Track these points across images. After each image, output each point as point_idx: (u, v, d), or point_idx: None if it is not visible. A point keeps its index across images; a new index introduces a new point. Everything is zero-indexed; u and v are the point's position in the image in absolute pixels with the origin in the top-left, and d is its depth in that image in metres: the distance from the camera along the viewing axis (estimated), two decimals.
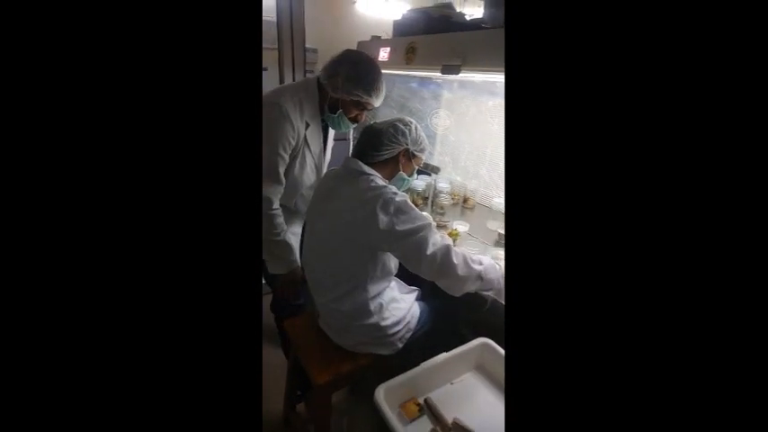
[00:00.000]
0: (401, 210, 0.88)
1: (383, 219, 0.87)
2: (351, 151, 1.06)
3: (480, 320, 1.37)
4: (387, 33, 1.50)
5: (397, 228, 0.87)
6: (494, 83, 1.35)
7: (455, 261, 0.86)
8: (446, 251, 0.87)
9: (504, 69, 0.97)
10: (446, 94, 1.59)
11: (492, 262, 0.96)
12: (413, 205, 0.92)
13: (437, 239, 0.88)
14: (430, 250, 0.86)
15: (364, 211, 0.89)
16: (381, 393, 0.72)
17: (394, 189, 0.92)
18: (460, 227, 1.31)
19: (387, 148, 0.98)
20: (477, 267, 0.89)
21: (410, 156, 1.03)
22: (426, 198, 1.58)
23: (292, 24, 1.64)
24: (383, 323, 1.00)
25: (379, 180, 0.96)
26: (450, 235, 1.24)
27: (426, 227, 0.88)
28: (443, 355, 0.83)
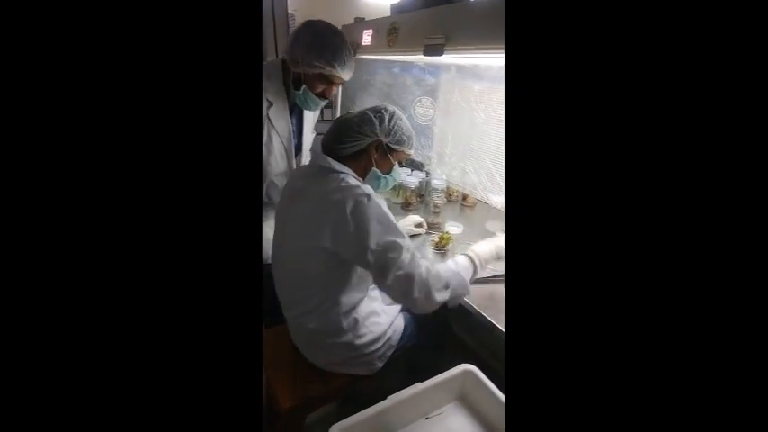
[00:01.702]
0: (372, 217, 0.76)
1: (352, 224, 0.76)
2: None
3: (473, 335, 1.24)
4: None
5: (367, 239, 0.75)
6: (478, 65, 1.19)
7: (416, 295, 0.77)
8: (408, 282, 0.77)
9: (497, 47, 0.83)
10: (430, 80, 1.43)
11: (462, 278, 0.84)
12: (388, 212, 0.79)
13: (404, 263, 0.76)
14: (391, 278, 0.76)
15: (333, 213, 0.77)
16: None
17: (368, 190, 0.79)
18: (454, 229, 1.17)
19: (351, 140, 0.85)
20: (439, 298, 0.80)
21: (385, 149, 0.89)
22: (422, 195, 1.45)
23: (274, 14, 1.53)
24: (358, 341, 0.89)
25: (351, 179, 0.84)
26: (441, 239, 1.11)
27: (395, 246, 0.76)
28: (418, 386, 0.71)
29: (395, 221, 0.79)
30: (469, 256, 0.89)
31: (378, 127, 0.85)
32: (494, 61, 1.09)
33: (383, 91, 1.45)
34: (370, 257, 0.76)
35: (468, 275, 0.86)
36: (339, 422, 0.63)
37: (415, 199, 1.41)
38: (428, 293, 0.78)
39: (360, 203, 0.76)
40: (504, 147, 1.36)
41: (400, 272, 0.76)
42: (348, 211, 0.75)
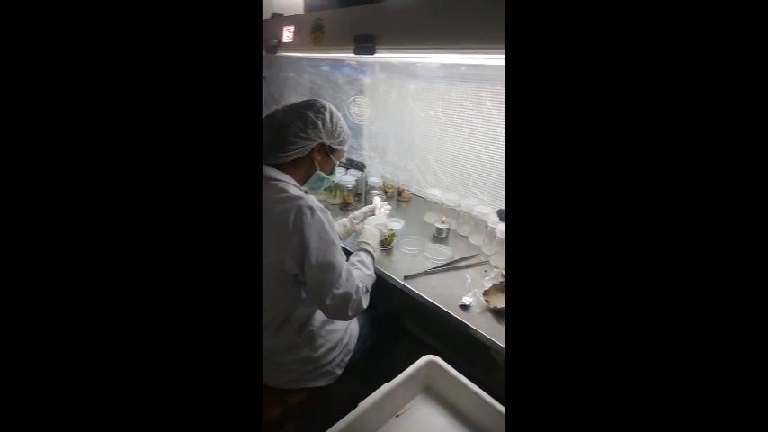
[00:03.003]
0: (314, 231, 0.73)
1: (294, 237, 0.72)
2: None
3: (425, 327, 1.30)
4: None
5: (307, 253, 0.72)
6: (414, 64, 1.23)
7: (350, 313, 0.78)
8: (344, 302, 0.76)
9: (429, 46, 0.86)
10: (363, 79, 1.44)
11: (373, 276, 0.87)
12: (331, 225, 0.77)
13: (341, 283, 0.76)
14: (329, 298, 0.74)
15: (275, 227, 0.72)
16: None
17: (311, 201, 0.75)
18: (395, 225, 1.19)
19: (295, 147, 0.80)
20: (365, 305, 0.81)
21: (327, 151, 0.86)
22: (359, 194, 1.44)
23: None
24: (316, 354, 0.86)
25: (292, 187, 0.79)
26: (388, 237, 1.12)
27: (333, 267, 0.75)
28: (385, 386, 0.71)
29: (336, 237, 0.78)
30: (368, 251, 0.92)
31: (322, 129, 0.82)
32: (429, 60, 1.13)
33: (313, 90, 1.40)
34: (309, 273, 0.74)
35: (373, 273, 0.88)
36: None
37: (353, 198, 1.40)
38: (359, 308, 0.79)
39: (302, 215, 0.72)
40: (442, 143, 1.41)
41: (338, 291, 0.75)
42: (290, 222, 0.72)
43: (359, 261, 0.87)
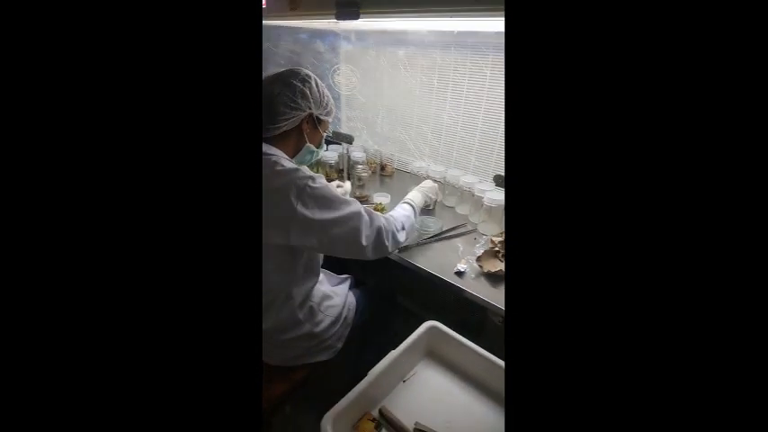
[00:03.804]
0: (323, 197, 0.72)
1: (302, 211, 0.70)
2: None
3: (414, 299, 1.33)
4: None
5: (324, 218, 0.71)
6: (404, 31, 1.19)
7: (387, 244, 0.81)
8: (378, 237, 0.79)
9: (419, 10, 0.82)
10: (346, 46, 1.38)
11: (411, 221, 0.92)
12: (330, 187, 0.76)
13: (367, 223, 0.77)
14: (364, 241, 0.76)
15: (275, 203, 0.70)
16: (329, 423, 0.60)
17: (308, 172, 0.74)
18: (383, 199, 1.19)
19: (286, 118, 0.77)
20: (401, 239, 0.86)
21: (315, 122, 0.84)
22: (341, 170, 1.42)
23: None
24: (317, 329, 0.86)
25: (285, 161, 0.76)
26: (376, 210, 1.12)
27: (355, 216, 0.76)
28: (392, 354, 0.73)
29: (337, 192, 0.79)
30: (410, 204, 0.96)
31: (310, 98, 0.78)
32: (420, 25, 1.09)
33: (292, 60, 1.32)
34: (332, 235, 0.73)
35: (413, 219, 0.93)
36: (329, 411, 0.61)
37: (336, 174, 1.38)
38: (394, 237, 0.82)
39: (305, 187, 0.71)
40: (431, 111, 1.39)
41: (369, 231, 0.77)
42: (294, 196, 0.69)
43: (399, 206, 0.93)
